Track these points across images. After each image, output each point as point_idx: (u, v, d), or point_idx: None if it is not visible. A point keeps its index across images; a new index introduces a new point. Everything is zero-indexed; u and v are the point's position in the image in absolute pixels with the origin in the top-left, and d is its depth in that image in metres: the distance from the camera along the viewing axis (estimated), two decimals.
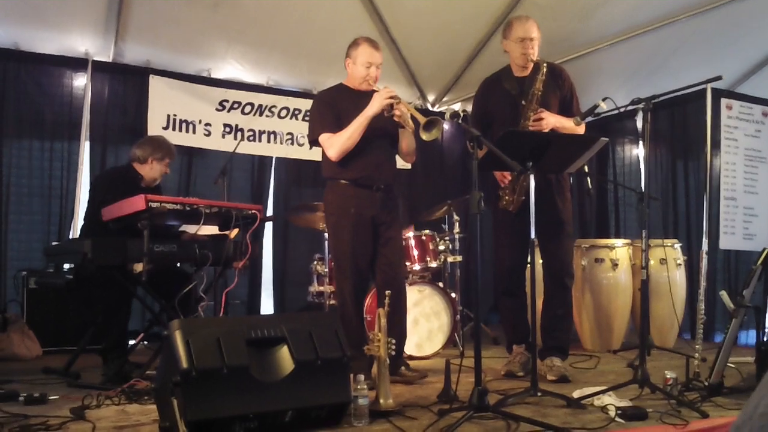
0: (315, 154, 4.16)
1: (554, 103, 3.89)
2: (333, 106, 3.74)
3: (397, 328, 3.64)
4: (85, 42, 5.41)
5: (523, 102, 3.80)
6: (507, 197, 3.88)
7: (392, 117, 3.63)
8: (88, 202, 4.21)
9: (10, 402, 3.12)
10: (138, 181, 4.12)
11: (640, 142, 6.58)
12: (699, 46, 5.52)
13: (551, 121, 3.73)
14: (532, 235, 3.25)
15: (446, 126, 7.12)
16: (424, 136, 3.38)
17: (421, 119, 3.41)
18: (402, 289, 3.84)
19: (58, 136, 5.50)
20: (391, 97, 3.58)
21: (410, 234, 4.90)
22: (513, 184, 3.85)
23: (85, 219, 4.24)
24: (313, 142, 3.80)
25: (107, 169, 5.29)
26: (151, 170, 4.16)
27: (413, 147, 3.87)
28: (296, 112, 6.31)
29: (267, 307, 6.34)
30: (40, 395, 3.17)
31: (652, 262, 4.97)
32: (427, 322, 4.76)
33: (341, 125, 3.66)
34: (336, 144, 3.64)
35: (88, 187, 4.53)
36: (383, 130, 3.73)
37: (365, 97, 3.68)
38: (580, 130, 3.75)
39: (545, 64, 3.81)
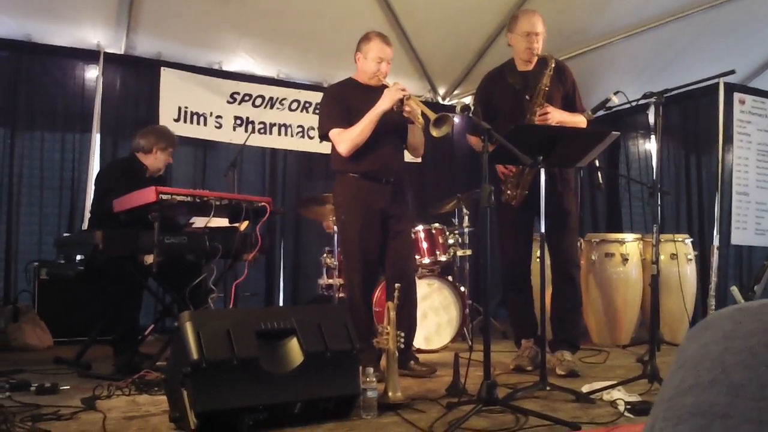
0: (325, 147, 4.16)
1: (558, 99, 3.86)
2: (342, 101, 3.73)
3: (407, 321, 3.63)
4: (97, 34, 5.43)
5: (527, 96, 3.76)
6: (509, 191, 3.83)
7: (402, 112, 3.62)
8: (94, 194, 4.21)
9: (21, 392, 3.15)
10: (142, 172, 4.11)
11: (652, 137, 6.54)
12: (712, 39, 5.47)
13: (556, 116, 3.70)
14: (542, 229, 3.24)
15: (456, 120, 7.09)
16: (434, 133, 3.37)
17: (431, 115, 3.39)
18: (412, 283, 3.83)
19: (69, 128, 5.51)
20: (402, 93, 3.58)
21: (420, 227, 4.89)
22: (517, 178, 3.81)
23: (91, 211, 4.25)
24: (323, 137, 3.80)
25: (111, 161, 5.28)
26: (155, 160, 4.14)
27: (421, 142, 3.87)
28: (307, 104, 6.31)
29: (278, 299, 6.35)
30: (52, 385, 3.19)
31: (662, 257, 4.93)
32: (436, 315, 4.76)
33: (351, 120, 3.65)
34: (346, 139, 3.64)
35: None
36: (393, 124, 3.71)
37: (375, 91, 3.67)
38: (585, 124, 3.73)
39: (553, 60, 3.76)
